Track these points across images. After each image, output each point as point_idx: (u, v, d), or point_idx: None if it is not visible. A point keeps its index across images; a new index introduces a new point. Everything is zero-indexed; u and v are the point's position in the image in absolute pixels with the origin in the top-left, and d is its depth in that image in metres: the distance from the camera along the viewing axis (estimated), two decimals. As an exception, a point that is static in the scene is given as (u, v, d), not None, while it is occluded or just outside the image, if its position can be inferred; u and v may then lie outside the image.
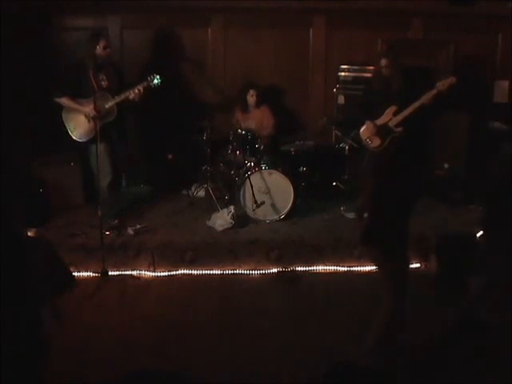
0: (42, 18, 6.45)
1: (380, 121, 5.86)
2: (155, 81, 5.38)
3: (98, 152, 5.13)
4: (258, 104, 6.44)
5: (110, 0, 6.50)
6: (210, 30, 6.87)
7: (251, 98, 6.41)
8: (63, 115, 5.50)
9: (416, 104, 5.69)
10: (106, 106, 5.34)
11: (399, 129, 5.84)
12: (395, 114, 5.81)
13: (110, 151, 5.47)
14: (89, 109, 5.31)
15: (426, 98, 5.66)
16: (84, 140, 5.49)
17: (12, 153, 6.06)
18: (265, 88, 6.65)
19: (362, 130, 6.00)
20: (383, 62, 5.76)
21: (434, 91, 5.64)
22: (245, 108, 6.49)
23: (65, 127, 5.50)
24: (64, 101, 5.44)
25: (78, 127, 5.48)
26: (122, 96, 5.37)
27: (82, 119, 5.43)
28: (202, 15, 6.78)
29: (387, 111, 5.83)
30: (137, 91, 5.35)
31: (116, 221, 5.65)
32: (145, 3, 6.52)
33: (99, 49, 5.35)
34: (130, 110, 5.76)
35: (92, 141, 5.33)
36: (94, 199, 5.46)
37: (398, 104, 5.78)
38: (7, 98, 6.01)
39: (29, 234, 5.13)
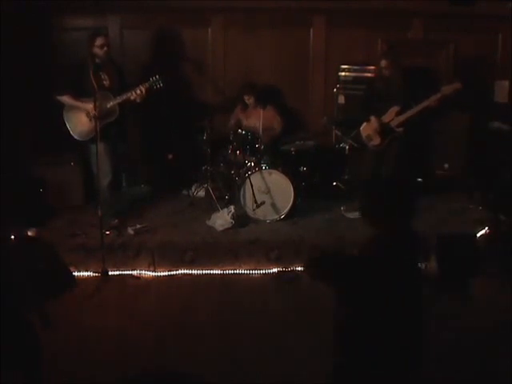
0: (41, 17, 6.45)
1: (382, 120, 5.88)
2: (158, 84, 5.37)
3: (98, 152, 5.11)
4: (259, 104, 6.43)
5: (110, 0, 6.50)
6: (209, 30, 6.87)
7: (248, 101, 6.41)
8: (64, 114, 5.48)
9: (419, 106, 5.71)
10: (108, 106, 5.33)
11: (400, 129, 5.85)
12: (397, 114, 5.82)
13: (110, 151, 5.47)
14: (91, 107, 5.30)
15: (430, 101, 5.68)
16: (85, 139, 5.48)
17: (12, 153, 6.06)
18: (263, 88, 6.64)
19: (363, 126, 6.00)
20: (383, 63, 5.78)
21: (439, 95, 5.66)
22: (245, 108, 6.49)
23: (65, 126, 5.50)
24: (66, 99, 5.42)
25: (79, 126, 5.47)
26: (124, 96, 5.36)
27: (83, 118, 5.41)
28: (201, 15, 6.78)
29: (389, 111, 5.84)
30: (139, 92, 5.34)
31: (116, 220, 5.65)
32: (145, 3, 6.52)
33: (96, 48, 5.32)
34: (130, 110, 5.75)
35: (92, 140, 5.31)
36: (94, 199, 5.46)
37: (399, 104, 5.79)
38: (7, 97, 6.01)
39: (29, 233, 5.14)
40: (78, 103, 5.40)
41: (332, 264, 2.65)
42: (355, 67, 6.77)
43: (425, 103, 5.70)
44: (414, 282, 2.72)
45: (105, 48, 5.35)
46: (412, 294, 2.69)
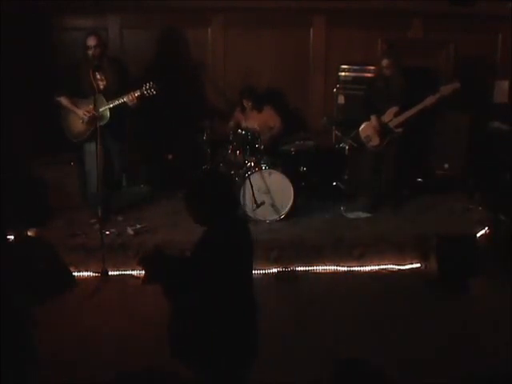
0: (41, 17, 6.45)
1: (381, 120, 5.88)
2: (150, 91, 5.34)
3: (90, 151, 5.21)
4: (257, 107, 6.42)
5: (110, 0, 6.50)
6: (209, 30, 6.87)
7: (247, 104, 6.41)
8: (61, 114, 5.53)
9: (418, 107, 5.71)
10: (100, 110, 5.31)
11: (399, 130, 5.84)
12: (396, 114, 5.82)
13: (102, 152, 5.36)
14: (82, 111, 5.36)
15: (428, 101, 5.67)
16: (77, 140, 5.53)
17: (12, 153, 6.06)
18: (262, 92, 6.64)
19: (362, 126, 6.00)
20: (385, 62, 5.76)
21: (438, 95, 5.65)
22: (244, 110, 6.48)
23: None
24: (62, 100, 5.45)
25: (71, 127, 5.52)
26: (116, 102, 5.35)
27: (76, 120, 5.46)
28: (201, 15, 6.78)
29: (388, 111, 5.84)
30: (130, 98, 5.33)
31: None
32: (145, 3, 6.52)
33: (87, 49, 5.31)
34: (130, 111, 5.74)
35: (85, 140, 5.43)
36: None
37: (399, 104, 5.79)
38: (7, 97, 6.00)
39: (29, 233, 5.13)
40: (72, 106, 5.44)
41: (164, 266, 2.73)
42: (355, 67, 6.77)
43: (423, 103, 5.69)
44: (245, 278, 2.86)
45: (96, 49, 5.30)
46: (243, 289, 2.81)
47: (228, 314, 2.69)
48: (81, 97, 5.39)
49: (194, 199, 2.79)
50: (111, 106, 5.35)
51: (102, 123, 5.31)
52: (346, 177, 6.66)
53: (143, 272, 2.77)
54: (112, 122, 5.40)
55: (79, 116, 5.40)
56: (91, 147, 5.42)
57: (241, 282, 2.76)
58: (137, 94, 5.33)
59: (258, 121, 6.36)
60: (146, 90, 5.34)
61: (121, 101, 5.35)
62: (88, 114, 5.34)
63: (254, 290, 2.90)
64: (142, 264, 2.75)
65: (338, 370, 2.77)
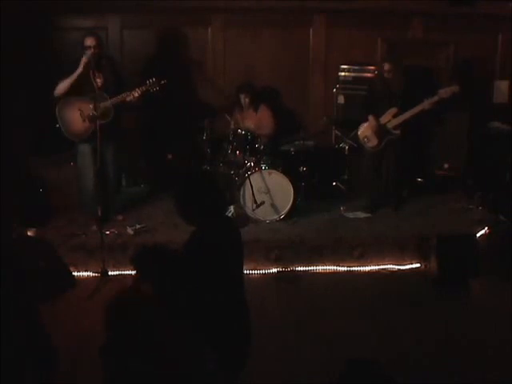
0: (41, 17, 6.45)
1: (380, 121, 5.88)
2: (154, 87, 5.33)
3: (84, 152, 5.27)
4: (254, 104, 6.42)
5: (110, 0, 6.50)
6: (209, 29, 6.87)
7: (244, 100, 6.40)
8: (57, 111, 5.43)
9: (416, 109, 5.70)
10: (102, 106, 5.28)
11: (397, 131, 5.84)
12: (395, 116, 5.81)
13: (96, 152, 5.29)
14: (85, 106, 5.29)
15: (427, 103, 5.67)
16: (76, 140, 5.50)
17: (12, 153, 6.06)
18: (261, 88, 6.64)
19: (361, 127, 6.00)
20: (386, 66, 5.75)
21: (436, 98, 5.65)
22: (242, 109, 6.48)
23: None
24: (60, 87, 5.36)
25: (71, 126, 5.45)
26: (119, 98, 5.33)
27: (76, 118, 5.40)
28: (201, 15, 6.79)
29: (387, 112, 5.84)
30: (136, 95, 5.32)
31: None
32: (145, 3, 6.52)
33: (85, 49, 5.30)
34: (130, 110, 5.75)
35: (86, 140, 5.41)
36: (94, 199, 5.45)
37: (399, 106, 5.79)
38: (7, 97, 6.00)
39: (29, 233, 5.12)
40: (75, 99, 5.37)
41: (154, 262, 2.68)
42: (355, 67, 6.77)
43: (421, 106, 5.69)
44: (234, 279, 2.79)
45: (94, 49, 5.29)
46: (231, 290, 2.77)
47: (217, 315, 2.67)
48: (79, 95, 5.37)
49: (181, 200, 2.78)
50: (115, 101, 5.33)
51: (107, 120, 5.29)
52: (345, 177, 6.66)
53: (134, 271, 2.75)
54: (108, 122, 5.37)
55: (81, 112, 5.35)
56: (85, 148, 5.46)
57: (229, 282, 2.75)
58: (141, 90, 5.32)
59: (254, 119, 6.36)
60: (150, 85, 5.33)
61: (124, 96, 5.32)
62: (89, 113, 5.29)
63: (244, 291, 2.88)
64: (132, 263, 2.73)
65: (338, 370, 2.77)
